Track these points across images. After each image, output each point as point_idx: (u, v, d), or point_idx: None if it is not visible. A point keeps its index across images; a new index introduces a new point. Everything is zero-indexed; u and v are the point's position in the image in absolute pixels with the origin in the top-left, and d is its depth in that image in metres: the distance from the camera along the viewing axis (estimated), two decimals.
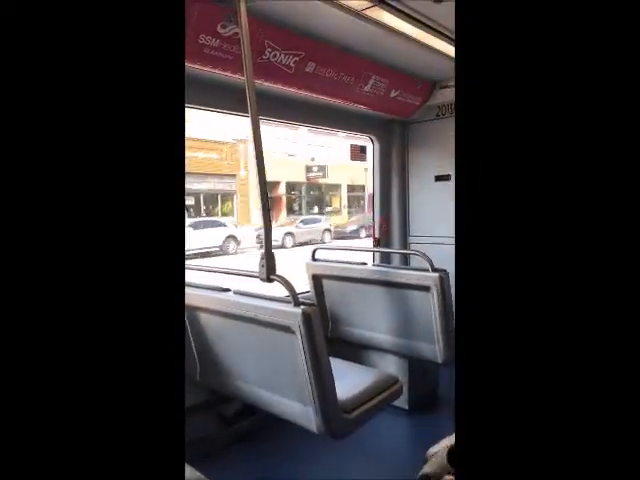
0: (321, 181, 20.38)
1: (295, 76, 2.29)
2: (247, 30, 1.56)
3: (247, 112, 1.58)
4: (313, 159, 19.88)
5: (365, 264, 2.73)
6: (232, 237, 14.28)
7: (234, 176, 17.32)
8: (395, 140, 3.48)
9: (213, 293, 1.97)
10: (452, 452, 1.28)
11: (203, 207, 16.65)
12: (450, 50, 2.35)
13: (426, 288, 2.38)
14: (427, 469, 1.32)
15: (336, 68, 2.42)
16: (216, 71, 2.04)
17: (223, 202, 17.56)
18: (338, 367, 1.78)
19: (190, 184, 14.92)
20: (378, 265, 2.97)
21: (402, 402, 2.65)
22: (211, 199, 17.16)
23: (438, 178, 3.36)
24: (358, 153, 3.42)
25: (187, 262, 1.60)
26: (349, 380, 1.94)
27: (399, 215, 3.56)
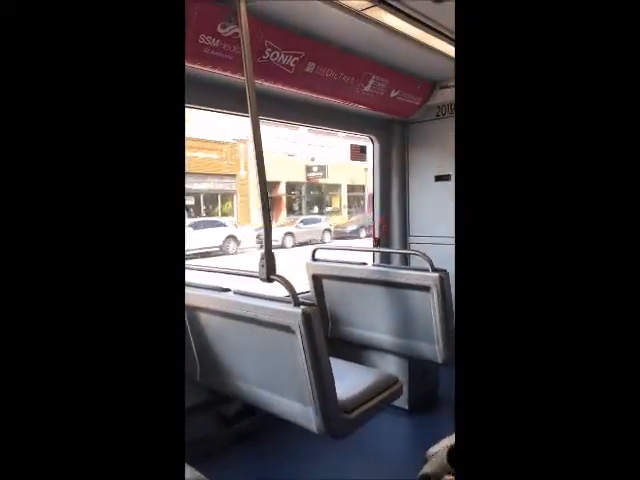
0: (321, 181, 20.32)
1: (295, 76, 2.29)
2: (247, 30, 1.56)
3: (247, 112, 1.58)
4: (313, 159, 19.83)
5: (365, 264, 2.73)
6: (232, 237, 14.28)
7: (234, 176, 17.30)
8: (395, 140, 3.48)
9: (213, 293, 1.97)
10: (452, 452, 1.28)
11: (203, 207, 16.63)
12: (450, 50, 2.35)
13: (426, 288, 2.38)
14: (427, 469, 1.32)
15: (336, 68, 2.42)
16: (216, 71, 2.04)
17: (223, 202, 17.54)
18: (338, 367, 1.78)
19: (190, 184, 14.91)
20: (378, 265, 2.97)
21: (402, 402, 2.65)
22: (211, 199, 17.14)
23: (438, 178, 3.36)
24: (358, 153, 3.42)
25: (187, 262, 1.61)
26: (349, 380, 1.94)
27: (399, 215, 3.56)
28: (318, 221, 17.94)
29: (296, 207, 20.22)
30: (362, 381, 1.98)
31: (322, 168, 19.60)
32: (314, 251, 2.82)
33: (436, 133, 3.31)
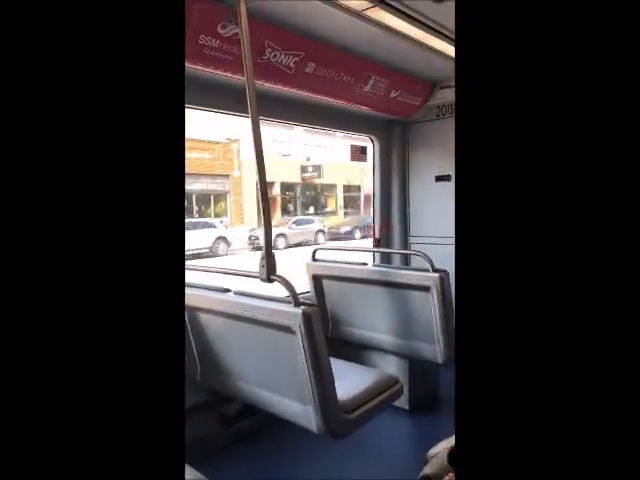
0: (317, 181, 20.06)
1: (295, 76, 2.29)
2: (247, 30, 1.56)
3: (247, 113, 1.58)
4: (308, 159, 19.57)
5: (365, 264, 2.73)
6: (222, 238, 14.10)
7: (227, 176, 17.08)
8: (395, 140, 3.48)
9: (214, 294, 1.97)
10: (452, 453, 1.28)
11: (195, 208, 16.36)
12: (450, 50, 2.35)
13: (426, 288, 2.38)
14: (428, 470, 1.32)
15: (336, 68, 2.42)
16: (216, 71, 2.04)
17: (216, 203, 17.27)
18: (338, 367, 1.78)
19: None
20: (378, 265, 2.97)
21: (402, 402, 2.64)
22: (204, 199, 16.88)
23: (438, 178, 3.36)
24: (359, 154, 3.42)
25: (187, 262, 1.60)
26: (349, 380, 1.94)
27: (399, 215, 3.56)
28: (311, 222, 17.65)
29: (291, 208, 19.93)
30: (362, 381, 1.98)
31: (317, 168, 19.30)
32: (314, 251, 2.83)
33: (436, 133, 3.31)
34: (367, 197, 21.75)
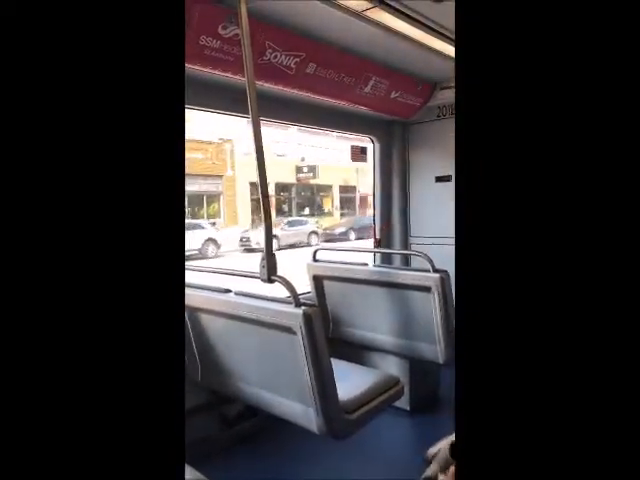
0: (312, 182, 19.86)
1: (296, 77, 2.29)
2: (248, 31, 1.56)
3: (248, 113, 1.58)
4: (303, 159, 19.38)
5: (366, 265, 2.73)
6: (211, 240, 13.95)
7: (220, 177, 16.90)
8: (396, 141, 3.49)
9: (214, 294, 1.97)
10: (454, 445, 1.27)
11: (188, 209, 16.10)
12: (451, 51, 2.35)
13: (427, 289, 2.38)
14: (429, 472, 1.32)
15: (337, 69, 2.42)
16: (217, 72, 2.05)
17: (209, 204, 17.08)
18: (339, 368, 1.78)
19: None
20: (379, 266, 2.97)
21: (403, 403, 2.64)
22: (197, 200, 16.66)
23: (439, 179, 3.36)
24: (359, 154, 3.42)
25: (187, 263, 1.60)
26: (350, 381, 1.94)
27: (400, 216, 3.56)
28: (304, 223, 17.42)
29: (286, 208, 19.71)
30: (363, 382, 1.98)
31: (312, 168, 19.09)
32: (315, 252, 2.83)
33: (437, 134, 3.31)
34: (362, 198, 21.70)
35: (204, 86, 2.20)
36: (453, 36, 2.16)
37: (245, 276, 1.82)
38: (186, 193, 15.92)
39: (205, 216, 16.59)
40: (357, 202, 21.63)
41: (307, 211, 20.24)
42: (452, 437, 1.30)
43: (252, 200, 17.17)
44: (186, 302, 1.95)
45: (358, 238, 16.36)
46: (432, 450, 1.40)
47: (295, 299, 1.61)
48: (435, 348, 2.42)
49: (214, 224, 15.67)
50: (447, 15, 1.92)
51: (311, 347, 1.60)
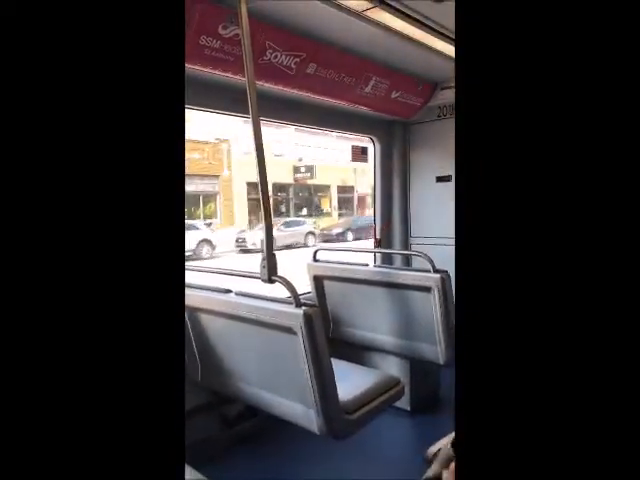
0: (310, 182, 19.64)
1: (296, 77, 2.29)
2: (248, 31, 1.56)
3: (248, 113, 1.58)
4: (301, 159, 19.18)
5: (367, 265, 2.73)
6: (206, 241, 13.85)
7: (217, 177, 16.73)
8: (396, 141, 3.48)
9: (215, 294, 1.97)
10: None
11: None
12: (451, 51, 2.34)
13: (427, 289, 2.38)
14: (430, 473, 1.32)
15: (337, 69, 2.42)
16: (217, 72, 2.05)
17: (205, 204, 16.89)
18: (340, 368, 1.78)
19: None
20: (379, 266, 2.97)
21: (404, 403, 2.64)
22: (193, 200, 16.47)
23: (439, 179, 3.36)
24: (359, 154, 3.42)
25: (187, 263, 1.60)
26: (351, 381, 1.94)
27: (400, 216, 3.56)
28: (302, 224, 17.23)
29: (283, 209, 19.45)
30: (364, 382, 1.97)
31: (310, 168, 18.85)
32: (315, 252, 2.83)
33: (437, 134, 3.31)
34: (361, 198, 21.64)
35: (204, 86, 2.20)
36: (453, 36, 2.16)
37: (245, 276, 1.82)
38: None
39: (202, 216, 16.45)
40: (355, 202, 21.55)
41: (305, 212, 20.04)
42: (452, 435, 1.30)
43: (249, 200, 17.09)
44: (186, 302, 1.94)
45: (356, 239, 16.25)
46: (432, 449, 1.40)
47: (295, 299, 1.61)
48: (436, 348, 2.42)
49: (210, 225, 15.56)
50: (447, 15, 1.92)
51: (311, 347, 1.59)
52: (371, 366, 2.70)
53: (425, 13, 2.01)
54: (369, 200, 21.28)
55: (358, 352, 2.81)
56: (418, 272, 2.47)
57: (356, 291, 2.68)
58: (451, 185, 3.27)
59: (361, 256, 3.26)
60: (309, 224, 17.52)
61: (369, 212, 20.56)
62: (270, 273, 1.61)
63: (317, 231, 17.27)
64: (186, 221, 14.87)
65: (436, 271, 2.36)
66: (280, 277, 1.62)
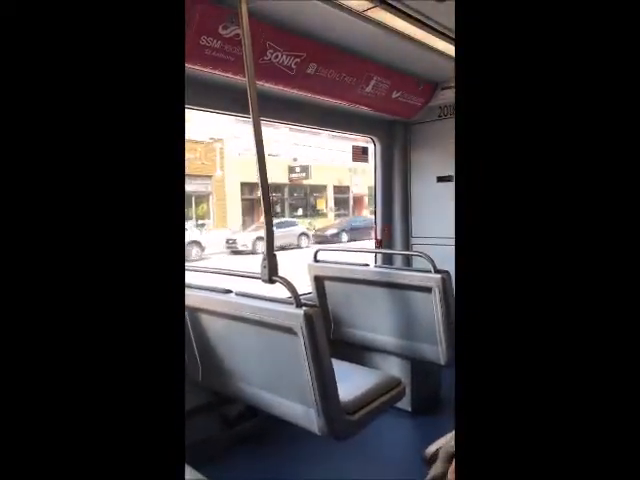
0: (306, 182, 19.31)
1: (297, 77, 2.29)
2: (248, 31, 1.56)
3: (248, 113, 1.58)
4: (296, 159, 18.85)
5: (367, 265, 2.73)
6: (195, 242, 13.58)
7: (210, 177, 16.38)
8: (397, 141, 3.48)
9: (215, 295, 1.96)
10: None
11: None
12: (452, 50, 2.34)
13: (428, 289, 2.38)
14: (433, 472, 1.32)
15: (337, 69, 2.42)
16: (217, 72, 2.05)
17: (197, 205, 16.52)
18: (340, 369, 1.78)
19: None
20: (380, 266, 2.97)
21: (405, 404, 2.64)
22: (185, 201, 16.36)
23: (440, 179, 3.36)
24: (360, 154, 3.42)
25: (187, 264, 1.60)
26: (351, 382, 1.94)
27: (401, 216, 3.56)
28: (294, 224, 16.85)
29: (278, 209, 19.05)
30: (364, 383, 1.97)
31: (305, 168, 18.55)
32: (316, 252, 2.83)
33: (438, 134, 3.30)
34: (356, 198, 21.53)
35: (204, 86, 2.20)
36: (454, 36, 2.15)
37: (246, 276, 1.81)
38: None
39: (194, 217, 16.16)
40: (351, 202, 21.43)
41: (300, 212, 19.70)
42: (449, 435, 1.30)
43: (243, 200, 16.87)
44: (186, 302, 1.94)
45: (350, 240, 16.02)
46: (430, 449, 1.39)
47: (296, 299, 1.61)
48: (436, 349, 2.41)
49: (203, 225, 15.38)
50: (448, 15, 1.92)
51: (312, 348, 1.59)
52: (372, 367, 2.70)
53: (426, 13, 2.00)
54: (365, 200, 21.21)
55: (359, 352, 2.81)
56: (419, 272, 2.47)
57: (357, 291, 2.68)
58: (452, 185, 3.26)
59: (361, 256, 3.26)
60: (302, 225, 17.21)
61: (365, 212, 20.45)
62: (271, 273, 1.61)
63: (311, 232, 17.01)
64: None
65: (437, 271, 2.36)
66: (281, 277, 1.61)
